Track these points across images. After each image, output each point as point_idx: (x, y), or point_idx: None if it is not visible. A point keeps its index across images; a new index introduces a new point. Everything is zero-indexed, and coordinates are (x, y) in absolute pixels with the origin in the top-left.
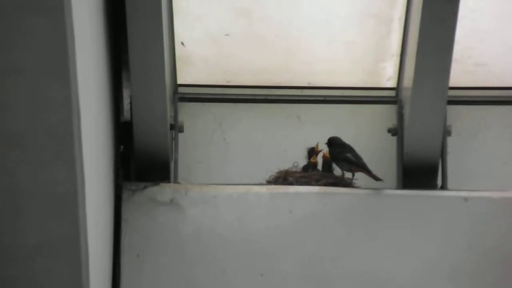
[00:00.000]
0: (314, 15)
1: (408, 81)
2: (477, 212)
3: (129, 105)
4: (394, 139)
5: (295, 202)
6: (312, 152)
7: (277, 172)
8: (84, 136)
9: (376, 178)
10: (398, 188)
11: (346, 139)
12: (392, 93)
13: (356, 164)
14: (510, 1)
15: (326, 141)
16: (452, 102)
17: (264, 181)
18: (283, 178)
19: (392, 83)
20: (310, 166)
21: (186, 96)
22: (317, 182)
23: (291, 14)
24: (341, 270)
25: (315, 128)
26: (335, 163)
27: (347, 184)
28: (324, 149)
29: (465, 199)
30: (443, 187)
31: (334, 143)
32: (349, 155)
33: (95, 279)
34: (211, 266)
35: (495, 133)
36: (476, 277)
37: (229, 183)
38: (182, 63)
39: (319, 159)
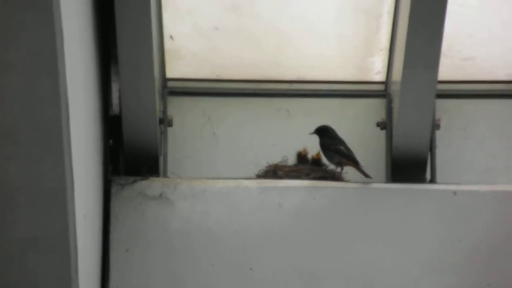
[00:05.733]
0: (304, 9)
1: (397, 75)
2: (466, 205)
3: (118, 99)
4: (383, 133)
5: (285, 196)
6: (300, 156)
7: (266, 166)
8: (73, 131)
9: (365, 174)
10: (387, 181)
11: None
12: (381, 87)
13: (347, 157)
14: None
15: (313, 130)
16: (441, 96)
17: (254, 175)
18: (272, 172)
19: (381, 77)
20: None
21: (175, 90)
22: (306, 176)
23: (280, 8)
24: (331, 263)
25: (304, 122)
26: (323, 153)
27: (337, 177)
28: (310, 152)
29: (454, 192)
30: (432, 180)
31: (326, 134)
32: (341, 147)
33: (84, 273)
34: (201, 260)
35: (483, 127)
36: (465, 270)
37: (218, 177)
38: (171, 57)
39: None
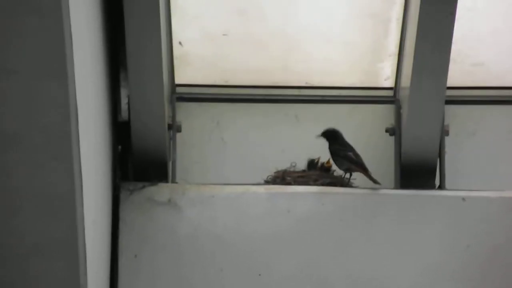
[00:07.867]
0: (312, 15)
1: (406, 81)
2: (475, 212)
3: (126, 105)
4: (392, 139)
5: (293, 202)
6: (312, 163)
7: (275, 172)
8: (82, 136)
9: (374, 181)
10: (396, 188)
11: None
12: (390, 93)
13: (356, 163)
14: (507, 1)
15: (321, 133)
16: (450, 102)
17: (262, 181)
18: (281, 178)
19: (390, 83)
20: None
21: (184, 96)
22: (315, 182)
23: (288, 14)
24: (339, 270)
25: (313, 128)
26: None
27: (345, 184)
28: (323, 159)
29: (463, 199)
30: (441, 187)
31: (336, 139)
32: (350, 153)
33: (93, 279)
34: (209, 266)
35: (492, 133)
36: (473, 276)
37: (226, 183)
38: (179, 63)
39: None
